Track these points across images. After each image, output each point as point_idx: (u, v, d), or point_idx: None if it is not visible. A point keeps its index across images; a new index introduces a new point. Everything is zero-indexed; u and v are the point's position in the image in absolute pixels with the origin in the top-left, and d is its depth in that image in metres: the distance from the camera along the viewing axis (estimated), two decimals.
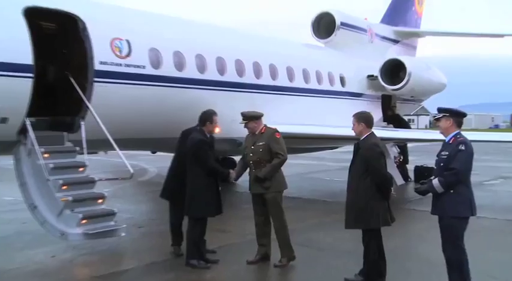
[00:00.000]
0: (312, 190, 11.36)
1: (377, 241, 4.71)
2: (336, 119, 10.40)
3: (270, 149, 5.38)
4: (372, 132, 4.79)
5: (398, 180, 10.53)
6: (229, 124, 8.66)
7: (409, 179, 12.57)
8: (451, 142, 4.29)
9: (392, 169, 10.41)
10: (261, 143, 5.40)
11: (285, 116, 9.78)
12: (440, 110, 4.46)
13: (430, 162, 14.11)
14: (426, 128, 58.52)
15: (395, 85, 12.48)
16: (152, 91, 7.63)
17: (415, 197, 10.21)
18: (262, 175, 5.32)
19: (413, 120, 58.74)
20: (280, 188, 5.44)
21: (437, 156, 4.43)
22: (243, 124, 5.52)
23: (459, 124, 4.37)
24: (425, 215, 8.43)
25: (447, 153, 4.24)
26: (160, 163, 16.56)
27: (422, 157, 18.83)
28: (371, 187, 4.58)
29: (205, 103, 8.16)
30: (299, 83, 10.55)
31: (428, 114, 64.97)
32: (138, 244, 6.50)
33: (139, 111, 7.54)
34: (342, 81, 11.93)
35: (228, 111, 8.79)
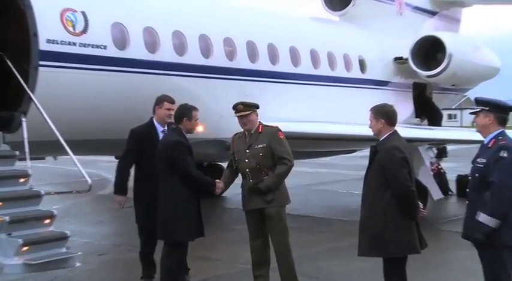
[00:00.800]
0: (322, 206, 11.39)
1: (400, 273, 4.60)
2: (353, 114, 10.43)
3: (272, 153, 5.39)
4: (395, 131, 4.68)
5: (435, 193, 10.57)
6: (216, 121, 8.64)
7: (450, 193, 12.64)
8: (490, 145, 4.21)
9: (427, 179, 10.45)
10: (260, 146, 5.39)
11: (287, 111, 9.81)
12: (478, 101, 4.38)
13: None
14: (473, 125, 58.57)
15: (431, 70, 12.53)
16: (116, 79, 7.63)
17: (457, 216, 10.30)
18: (266, 186, 5.29)
19: (455, 115, 58.99)
20: (284, 201, 5.47)
21: (472, 163, 4.35)
22: (241, 117, 5.45)
23: (502, 121, 4.29)
24: None
25: (484, 160, 4.16)
26: None
27: (466, 164, 18.85)
28: (391, 203, 4.44)
29: (186, 94, 8.14)
30: (306, 68, 10.58)
31: (476, 108, 65.20)
32: (97, 276, 6.50)
33: (100, 104, 7.54)
34: (362, 65, 11.97)
35: (214, 105, 8.77)
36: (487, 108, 4.29)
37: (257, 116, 5.54)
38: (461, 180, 12.53)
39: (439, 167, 12.90)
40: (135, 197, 5.86)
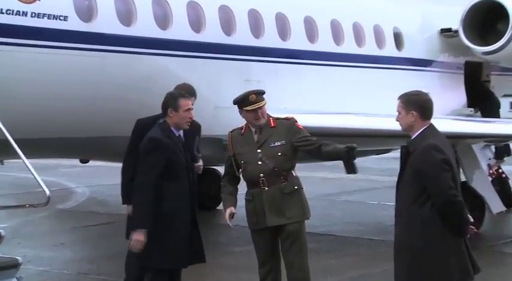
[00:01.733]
0: (347, 221, 11.35)
1: None
2: (386, 104, 10.38)
3: (293, 153, 5.42)
4: (431, 125, 4.65)
5: (495, 205, 10.56)
6: (210, 114, 8.67)
7: None
8: None
9: (483, 187, 10.44)
10: (278, 143, 5.41)
11: (301, 100, 9.82)
12: None
13: None
14: None
15: (489, 45, 12.51)
16: (80, 59, 7.65)
17: None
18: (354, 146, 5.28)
19: None
20: (305, 215, 5.49)
21: None
22: (254, 110, 5.39)
23: None
24: None
25: None
26: (94, 178, 16.68)
27: None
28: (433, 218, 4.45)
29: (170, 79, 8.16)
30: (326, 44, 10.58)
31: None
32: None
33: (61, 93, 7.56)
34: (398, 40, 11.98)
35: (207, 93, 8.73)
36: None
37: (265, 107, 5.54)
38: None
39: (500, 171, 12.86)
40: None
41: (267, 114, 5.55)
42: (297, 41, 10.15)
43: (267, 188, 5.34)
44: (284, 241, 5.43)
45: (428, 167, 4.42)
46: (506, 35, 12.12)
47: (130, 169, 5.85)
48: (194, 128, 5.89)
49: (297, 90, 9.94)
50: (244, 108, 5.43)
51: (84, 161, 11.27)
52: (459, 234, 4.57)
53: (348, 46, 10.94)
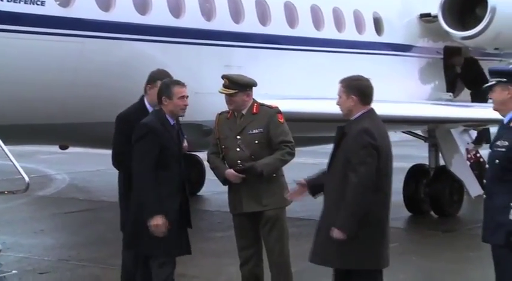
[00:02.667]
0: None
1: None
2: None
3: (270, 140, 5.43)
4: (371, 110, 4.77)
5: (473, 188, 10.65)
6: (191, 99, 8.58)
7: None
8: (511, 124, 4.36)
9: (462, 170, 10.54)
10: (256, 131, 5.44)
11: (283, 85, 9.82)
12: (492, 72, 4.51)
13: None
14: None
15: (467, 30, 12.58)
16: (59, 45, 7.61)
17: None
18: (261, 167, 5.30)
19: None
20: (285, 201, 5.51)
21: (490, 147, 4.48)
22: (227, 95, 5.48)
23: None
24: None
25: (507, 143, 4.31)
26: (73, 165, 16.61)
27: None
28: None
29: (150, 65, 8.11)
30: (306, 30, 10.59)
31: None
32: None
33: (39, 79, 7.52)
34: (378, 25, 12.00)
35: (188, 78, 8.76)
36: (504, 79, 4.39)
37: (247, 96, 5.53)
38: None
39: (478, 155, 12.99)
40: (121, 198, 5.79)
41: (253, 99, 5.57)
42: (277, 26, 10.14)
43: (244, 176, 5.35)
44: (263, 227, 5.48)
45: (357, 149, 4.55)
46: (484, 20, 12.16)
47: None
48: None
49: (277, 76, 9.94)
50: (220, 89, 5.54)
51: (63, 147, 11.22)
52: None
53: (328, 31, 10.94)
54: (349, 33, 11.33)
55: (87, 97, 7.91)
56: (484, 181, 4.51)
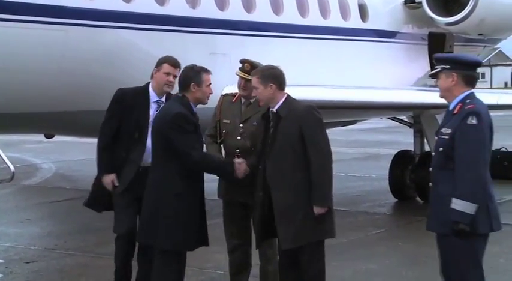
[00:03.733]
0: None
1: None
2: (351, 75, 10.45)
3: None
4: (289, 95, 5.07)
5: None
6: (176, 87, 8.69)
7: None
8: (456, 111, 4.33)
9: None
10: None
11: None
12: (437, 60, 4.53)
13: None
14: (506, 86, 59.42)
15: (451, 16, 12.63)
16: (43, 33, 7.55)
17: None
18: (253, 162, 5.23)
19: (483, 74, 59.70)
20: None
21: (436, 135, 4.47)
22: (244, 79, 5.38)
23: (469, 81, 4.43)
24: (504, 233, 8.69)
25: (450, 130, 4.31)
26: (60, 154, 16.57)
27: (498, 136, 19.05)
28: (305, 180, 4.89)
29: (135, 52, 8.10)
30: (291, 16, 10.57)
31: (510, 64, 65.87)
32: None
33: (22, 67, 7.47)
34: (362, 11, 11.99)
35: None
36: (448, 66, 4.41)
37: None
38: (491, 157, 12.68)
39: None
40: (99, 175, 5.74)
41: None
42: (262, 13, 10.11)
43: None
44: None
45: (313, 127, 4.89)
46: (468, 5, 12.22)
47: (104, 137, 5.61)
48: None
49: (263, 63, 9.92)
50: (238, 71, 5.49)
51: (49, 136, 11.18)
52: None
53: (313, 18, 10.93)
54: (334, 20, 11.32)
55: (72, 85, 7.86)
56: (430, 168, 4.49)
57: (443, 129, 4.36)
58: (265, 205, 5.01)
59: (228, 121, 5.46)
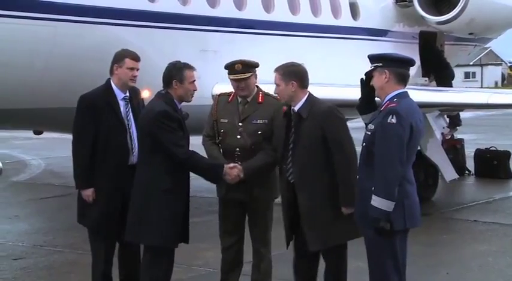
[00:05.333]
0: None
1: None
2: (342, 73, 10.45)
3: (271, 133, 5.33)
4: (310, 93, 5.01)
5: (448, 173, 10.77)
6: None
7: (467, 172, 12.89)
8: (382, 108, 4.44)
9: (437, 155, 10.63)
10: (260, 121, 5.31)
11: (260, 70, 9.80)
12: (370, 58, 4.60)
13: (501, 143, 14.52)
14: (496, 86, 59.61)
15: (442, 15, 12.65)
16: (32, 29, 7.53)
17: (475, 201, 10.54)
18: (247, 172, 5.22)
19: (474, 74, 59.83)
20: (276, 193, 5.46)
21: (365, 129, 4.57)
22: (238, 80, 5.28)
23: (401, 79, 4.50)
24: (493, 231, 8.82)
25: (373, 127, 4.44)
26: (49, 150, 16.49)
27: (488, 135, 19.33)
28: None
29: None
30: (282, 14, 10.59)
31: (500, 64, 66.06)
32: None
33: (10, 62, 7.46)
34: (353, 10, 12.03)
35: (163, 63, 8.63)
36: (381, 64, 4.47)
37: (256, 78, 5.44)
38: (480, 156, 12.79)
39: (455, 139, 13.11)
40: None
41: (258, 87, 5.46)
42: (253, 10, 10.12)
43: (240, 163, 5.26)
44: (252, 216, 5.45)
45: (334, 124, 4.88)
46: (459, 4, 12.27)
47: (83, 150, 5.43)
48: (136, 92, 5.66)
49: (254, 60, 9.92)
50: (229, 76, 5.38)
51: (37, 132, 11.12)
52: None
53: (304, 16, 10.94)
54: (325, 18, 11.35)
55: (61, 81, 7.84)
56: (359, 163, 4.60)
57: (369, 125, 4.47)
58: (291, 205, 5.03)
59: (225, 120, 5.39)
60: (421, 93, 10.99)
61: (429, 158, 10.36)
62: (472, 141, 15.10)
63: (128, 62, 5.45)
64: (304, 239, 4.98)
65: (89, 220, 5.52)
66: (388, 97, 4.42)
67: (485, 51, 54.14)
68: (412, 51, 13.23)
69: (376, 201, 4.28)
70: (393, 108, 4.32)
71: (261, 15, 10.27)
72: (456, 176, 11.09)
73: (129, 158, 5.44)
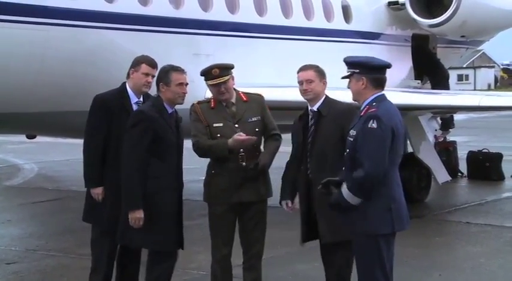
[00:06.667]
0: None
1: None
2: (336, 76, 10.41)
3: (264, 128, 5.42)
4: (327, 95, 5.27)
5: (441, 175, 10.79)
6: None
7: (460, 174, 12.91)
8: (362, 113, 4.51)
9: (430, 157, 10.65)
10: (254, 119, 5.36)
11: (252, 74, 9.81)
12: (346, 63, 4.68)
13: (494, 145, 14.54)
14: (489, 88, 59.73)
15: (434, 18, 12.69)
16: (25, 33, 7.52)
17: (468, 203, 10.56)
18: (266, 162, 5.31)
19: (467, 76, 59.95)
20: (270, 193, 5.49)
21: (346, 136, 4.65)
22: (217, 85, 5.26)
23: (379, 83, 4.58)
24: (485, 233, 8.82)
25: (354, 133, 4.51)
26: (42, 154, 16.44)
27: (481, 137, 19.36)
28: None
29: (118, 53, 8.05)
30: (274, 18, 10.59)
31: (492, 66, 66.25)
32: None
33: (3, 66, 7.43)
34: (346, 13, 12.04)
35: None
36: (357, 70, 4.57)
37: (233, 80, 5.44)
38: (473, 158, 12.82)
39: (447, 141, 13.14)
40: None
41: (234, 88, 5.45)
42: (246, 14, 10.11)
43: (244, 163, 5.26)
44: (249, 220, 5.40)
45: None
46: (451, 7, 12.32)
47: (95, 150, 5.47)
48: (149, 98, 5.61)
49: (246, 64, 9.91)
50: (207, 81, 5.36)
51: (30, 136, 11.11)
52: None
53: (297, 19, 10.94)
54: (318, 21, 11.36)
55: (55, 85, 7.83)
56: (343, 168, 4.63)
57: (351, 131, 4.53)
58: (308, 203, 5.10)
59: (220, 124, 5.34)
60: (414, 95, 11.06)
61: (422, 160, 10.39)
62: (465, 143, 15.14)
63: (144, 67, 5.51)
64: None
65: (97, 218, 5.52)
66: (366, 102, 4.50)
67: (478, 54, 54.27)
68: (404, 54, 13.30)
69: (346, 193, 4.40)
70: (373, 113, 4.40)
71: (254, 18, 10.27)
72: (449, 178, 11.12)
73: None
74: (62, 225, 8.85)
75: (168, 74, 5.13)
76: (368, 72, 4.52)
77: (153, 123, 5.05)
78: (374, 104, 4.45)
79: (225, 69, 5.37)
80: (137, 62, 5.58)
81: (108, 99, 5.56)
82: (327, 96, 5.23)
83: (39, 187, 12.46)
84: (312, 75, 5.18)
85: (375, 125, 4.34)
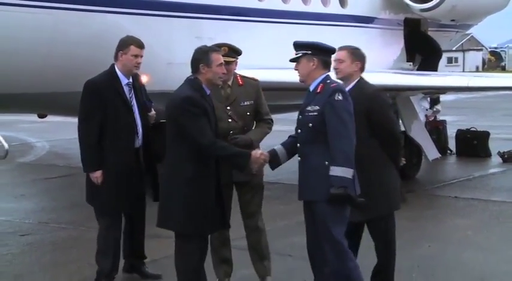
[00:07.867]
0: (295, 171, 11.29)
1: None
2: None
3: (256, 113, 5.34)
4: (362, 77, 5.17)
5: (431, 152, 10.81)
6: (163, 70, 8.53)
7: (449, 152, 12.93)
8: (319, 90, 4.58)
9: (420, 135, 10.66)
10: (247, 103, 5.28)
11: (252, 56, 9.74)
12: (298, 45, 4.70)
13: (481, 124, 14.59)
14: (478, 70, 59.62)
15: (425, 2, 12.61)
16: (33, 17, 7.48)
17: (456, 179, 10.59)
18: (255, 137, 5.26)
19: (456, 58, 59.76)
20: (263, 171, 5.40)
21: (300, 114, 4.66)
22: (224, 61, 4.96)
23: (327, 65, 4.67)
24: (472, 207, 8.86)
25: (317, 107, 4.55)
26: (53, 133, 16.45)
27: (469, 116, 19.40)
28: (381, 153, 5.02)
29: (123, 36, 8.01)
30: (273, 2, 10.52)
31: (481, 49, 66.06)
32: (20, 261, 6.48)
33: (12, 49, 7.40)
34: None
35: (160, 49, 8.65)
36: (310, 52, 4.64)
37: (236, 66, 5.39)
38: (461, 136, 12.83)
39: (437, 120, 13.14)
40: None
41: (234, 72, 5.39)
42: None
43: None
44: (245, 194, 5.38)
45: (379, 106, 4.99)
46: None
47: (92, 135, 5.38)
48: (136, 77, 5.62)
49: (246, 47, 9.83)
50: None
51: (41, 116, 11.10)
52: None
53: (295, 4, 10.90)
54: (315, 6, 11.32)
55: (63, 68, 7.81)
56: (298, 145, 4.66)
57: (310, 107, 4.58)
58: None
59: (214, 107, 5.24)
60: (406, 77, 11.04)
61: (413, 138, 10.39)
62: (454, 122, 15.15)
63: (133, 49, 5.41)
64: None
65: (99, 201, 5.49)
66: (318, 80, 4.61)
67: (467, 37, 53.96)
68: (397, 38, 13.25)
69: (337, 170, 4.42)
70: (337, 87, 4.56)
71: (254, 3, 10.23)
72: (438, 155, 11.16)
73: (135, 141, 5.44)
74: (72, 199, 8.87)
75: (208, 54, 4.76)
76: (319, 54, 4.64)
77: (203, 108, 4.74)
78: (328, 81, 4.59)
79: (234, 52, 5.35)
80: (125, 44, 5.44)
81: (100, 83, 5.44)
82: (361, 79, 5.07)
83: (51, 163, 12.49)
84: (343, 55, 5.01)
85: (341, 97, 4.50)
